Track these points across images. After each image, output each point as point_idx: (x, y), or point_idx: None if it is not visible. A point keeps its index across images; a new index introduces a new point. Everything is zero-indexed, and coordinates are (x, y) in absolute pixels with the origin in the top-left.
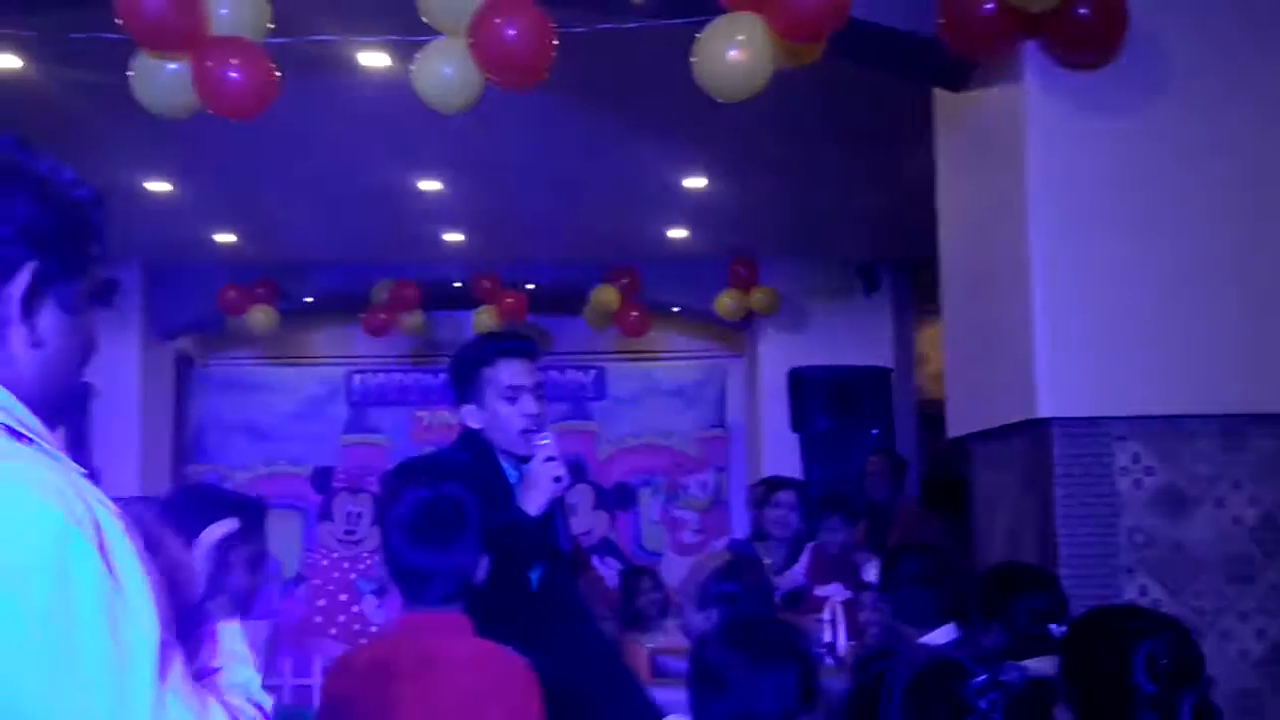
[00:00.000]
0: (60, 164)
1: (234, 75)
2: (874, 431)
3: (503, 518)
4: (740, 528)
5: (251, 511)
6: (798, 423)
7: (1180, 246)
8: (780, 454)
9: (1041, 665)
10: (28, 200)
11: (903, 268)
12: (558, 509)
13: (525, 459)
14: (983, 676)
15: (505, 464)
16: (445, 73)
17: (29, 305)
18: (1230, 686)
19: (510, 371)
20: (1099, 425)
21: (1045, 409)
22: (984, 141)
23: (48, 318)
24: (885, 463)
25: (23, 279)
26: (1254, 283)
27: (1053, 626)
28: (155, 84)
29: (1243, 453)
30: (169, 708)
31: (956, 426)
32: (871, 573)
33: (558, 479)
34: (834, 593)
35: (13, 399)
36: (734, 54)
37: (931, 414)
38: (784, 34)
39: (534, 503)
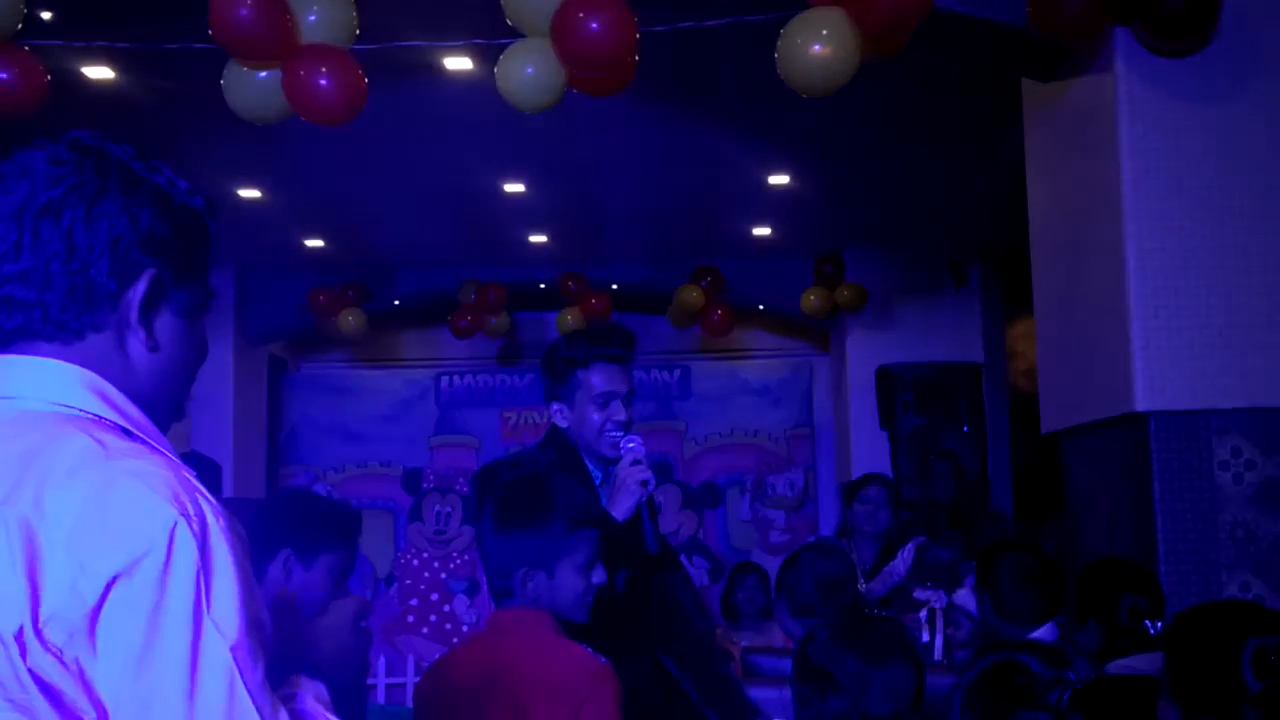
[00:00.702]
0: (175, 175)
1: (324, 83)
2: (965, 429)
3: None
4: (828, 527)
5: (346, 521)
6: (886, 420)
7: (1275, 236)
8: (869, 452)
9: (1141, 663)
10: (147, 209)
11: (991, 262)
12: (646, 511)
13: (612, 462)
14: (1048, 673)
15: (591, 464)
16: (529, 72)
17: (147, 311)
18: None
19: (604, 376)
20: (1198, 419)
21: (1143, 403)
22: (1075, 131)
23: (164, 323)
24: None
25: (142, 285)
26: None
27: (1149, 624)
28: (247, 92)
29: None
30: (239, 707)
31: (1050, 421)
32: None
33: (645, 483)
34: (935, 597)
35: (127, 401)
36: (818, 49)
37: (1024, 409)
38: (868, 27)
39: (621, 506)
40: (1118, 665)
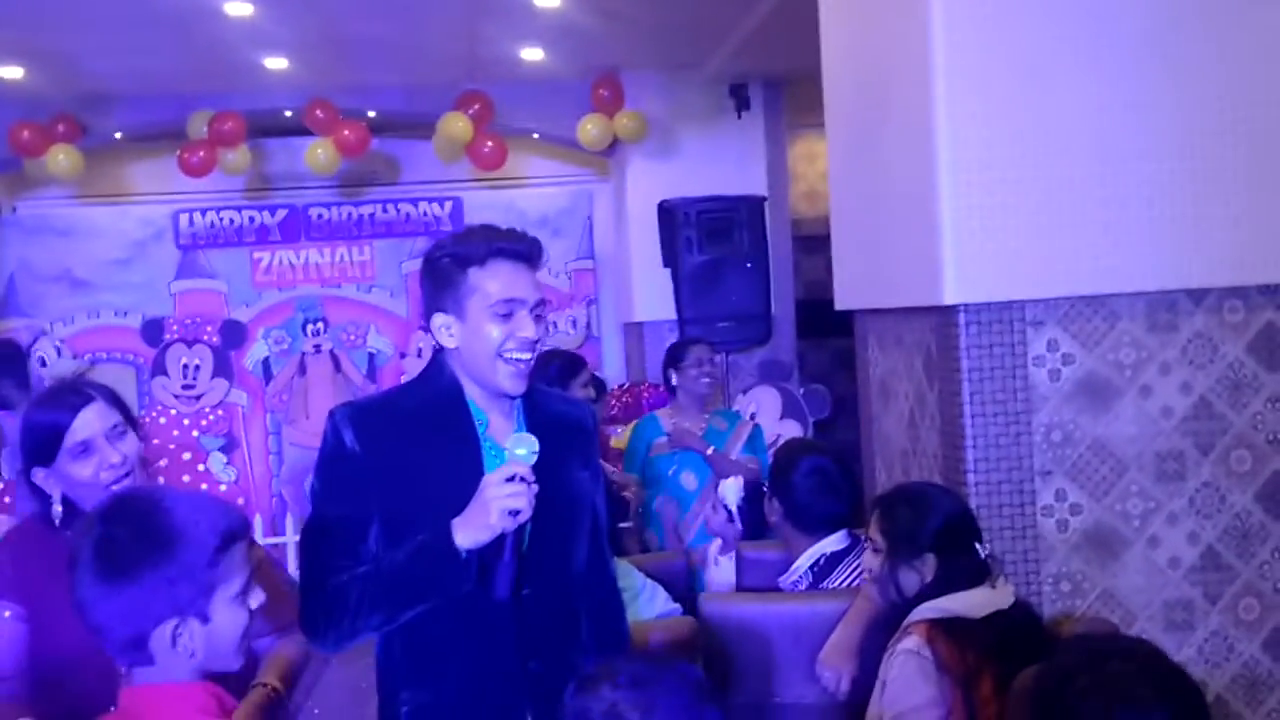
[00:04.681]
0: None
1: None
2: (748, 264)
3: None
4: (611, 367)
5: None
6: (669, 258)
7: (1103, 102)
8: (652, 289)
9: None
10: None
11: (774, 83)
12: (510, 546)
13: (506, 397)
14: None
15: (476, 404)
16: None
17: None
18: (1158, 598)
19: (506, 278)
20: (1011, 309)
21: (952, 294)
22: None
23: None
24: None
25: None
26: (1191, 142)
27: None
28: None
29: (1174, 333)
30: None
31: (846, 299)
32: None
33: (514, 512)
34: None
35: None
36: None
37: (804, 236)
38: None
39: (469, 534)
40: (929, 607)
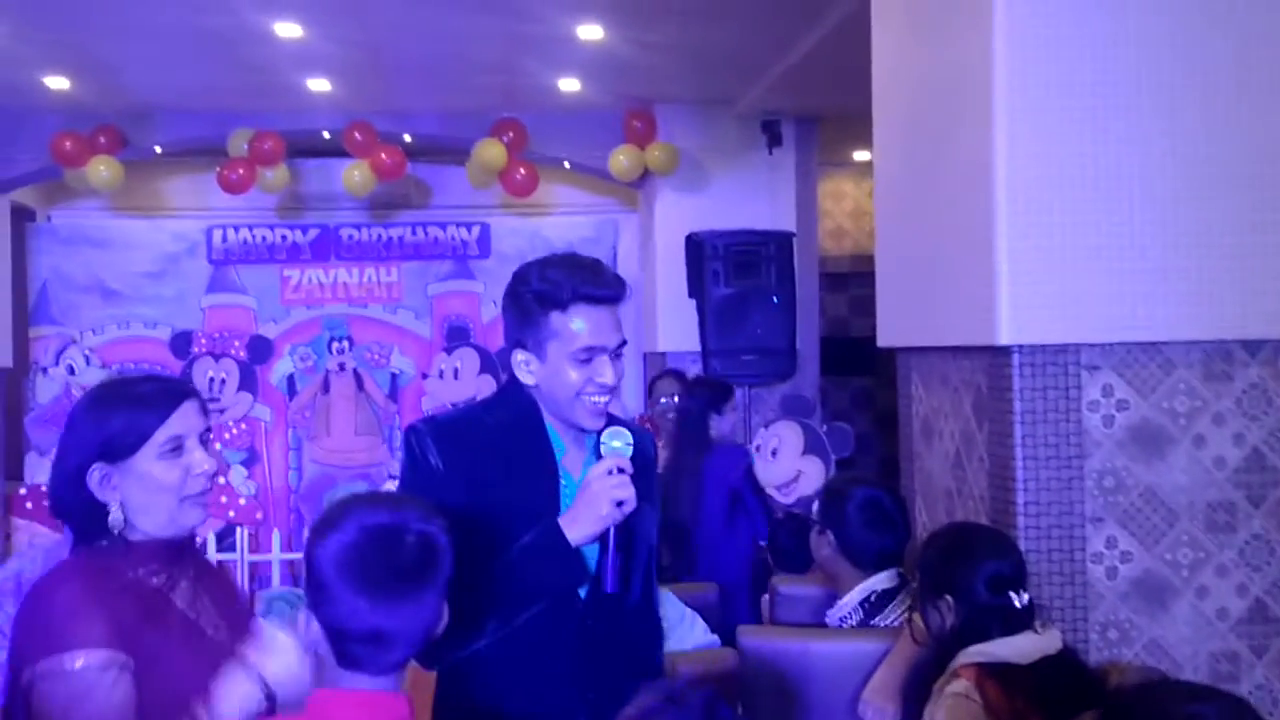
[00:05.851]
0: None
1: None
2: (774, 299)
3: (524, 530)
4: (631, 395)
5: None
6: (694, 288)
7: (1166, 146)
8: (676, 321)
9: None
10: None
11: (807, 119)
12: (614, 540)
13: (588, 430)
14: None
15: (555, 431)
16: None
17: None
18: (1204, 649)
19: (590, 323)
20: (1067, 353)
21: (1008, 335)
22: (937, 7)
23: None
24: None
25: None
26: (1250, 191)
27: (1013, 594)
28: None
29: (1228, 383)
30: None
31: (889, 336)
32: None
33: (620, 503)
34: None
35: None
36: None
37: (829, 273)
38: None
39: (580, 529)
40: (977, 651)
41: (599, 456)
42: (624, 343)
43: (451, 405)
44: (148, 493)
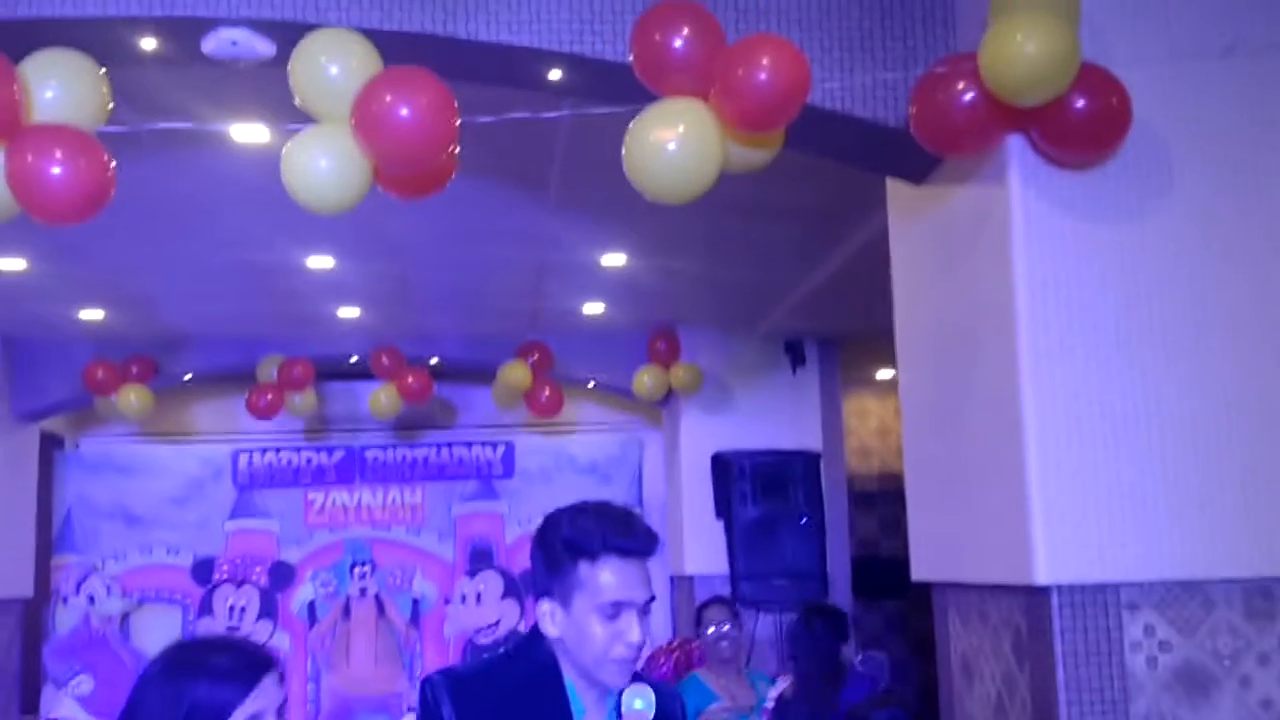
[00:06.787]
0: None
1: (56, 170)
2: (803, 519)
3: None
4: (657, 616)
5: None
6: (721, 509)
7: (1196, 378)
8: (704, 541)
9: None
10: None
11: (829, 340)
12: None
13: (610, 687)
14: None
15: (575, 687)
16: (322, 166)
17: None
18: None
19: (619, 577)
20: (1106, 592)
21: (1045, 575)
22: (957, 245)
23: None
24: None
25: None
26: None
27: None
28: None
29: (1271, 621)
30: None
31: (923, 570)
32: None
33: None
34: None
35: None
36: (674, 146)
37: (857, 493)
38: (737, 122)
39: None
40: None
41: (619, 717)
42: (653, 598)
43: (475, 631)
44: None
